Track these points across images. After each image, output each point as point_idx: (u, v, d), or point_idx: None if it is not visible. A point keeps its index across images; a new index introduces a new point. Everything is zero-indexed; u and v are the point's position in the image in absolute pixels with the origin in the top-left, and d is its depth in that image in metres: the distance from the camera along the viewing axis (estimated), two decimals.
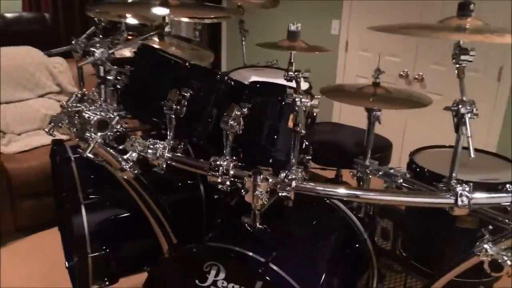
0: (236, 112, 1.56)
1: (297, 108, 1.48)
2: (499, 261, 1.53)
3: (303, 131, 1.50)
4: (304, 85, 1.66)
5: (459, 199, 1.44)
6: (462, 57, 1.44)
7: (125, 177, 1.65)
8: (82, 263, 2.00)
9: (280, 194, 1.49)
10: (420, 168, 1.96)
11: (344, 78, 4.39)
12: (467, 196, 1.44)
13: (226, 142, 1.58)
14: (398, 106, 1.84)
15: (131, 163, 1.63)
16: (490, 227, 1.62)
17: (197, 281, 1.54)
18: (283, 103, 1.59)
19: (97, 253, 2.01)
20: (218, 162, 1.55)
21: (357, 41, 4.25)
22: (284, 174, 1.50)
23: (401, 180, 1.82)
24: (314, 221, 1.76)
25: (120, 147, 1.67)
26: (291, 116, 1.68)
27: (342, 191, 1.48)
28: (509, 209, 1.51)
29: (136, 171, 1.64)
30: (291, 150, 1.54)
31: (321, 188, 1.49)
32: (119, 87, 1.93)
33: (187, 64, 1.79)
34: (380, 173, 1.85)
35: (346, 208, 1.85)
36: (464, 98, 1.45)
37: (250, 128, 1.62)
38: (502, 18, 3.37)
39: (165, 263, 1.59)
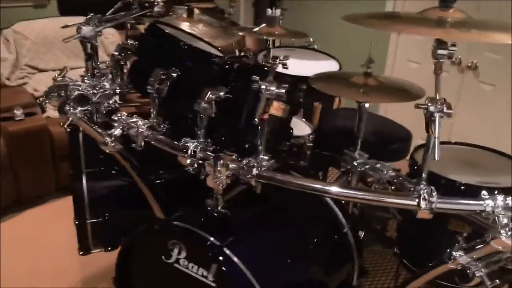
0: (210, 95, 1.57)
1: (261, 96, 1.46)
2: (467, 271, 1.45)
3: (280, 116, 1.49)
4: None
5: (422, 202, 1.37)
6: (440, 52, 1.34)
7: (107, 150, 1.72)
8: (82, 227, 2.12)
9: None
10: (418, 167, 1.87)
11: (395, 63, 4.21)
12: (429, 200, 1.36)
13: (200, 125, 1.60)
14: (389, 98, 1.75)
15: (113, 138, 1.70)
16: (465, 234, 1.53)
17: (163, 257, 1.59)
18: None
19: (95, 220, 2.12)
20: (187, 144, 1.57)
21: None
22: (246, 161, 1.50)
23: (387, 176, 1.75)
24: (290, 209, 1.75)
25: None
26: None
27: (301, 182, 1.45)
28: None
29: (117, 146, 1.71)
30: (258, 137, 1.53)
31: (280, 178, 1.47)
32: (122, 63, 2.00)
33: (181, 44, 1.82)
34: (366, 166, 1.79)
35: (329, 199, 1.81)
36: (437, 96, 1.36)
37: (228, 112, 1.63)
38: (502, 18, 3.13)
39: (135, 237, 1.65)
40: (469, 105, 3.76)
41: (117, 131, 1.71)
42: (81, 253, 2.19)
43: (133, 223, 2.21)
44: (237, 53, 2.69)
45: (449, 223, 1.80)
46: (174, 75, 1.74)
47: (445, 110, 1.35)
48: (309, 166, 2.15)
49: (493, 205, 1.37)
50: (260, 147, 1.54)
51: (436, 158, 1.35)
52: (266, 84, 1.45)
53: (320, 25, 4.77)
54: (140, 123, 1.68)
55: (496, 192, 1.70)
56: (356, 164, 1.81)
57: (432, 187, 1.41)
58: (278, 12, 1.61)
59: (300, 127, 2.26)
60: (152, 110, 1.72)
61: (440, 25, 1.36)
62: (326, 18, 4.73)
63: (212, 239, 1.49)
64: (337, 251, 1.80)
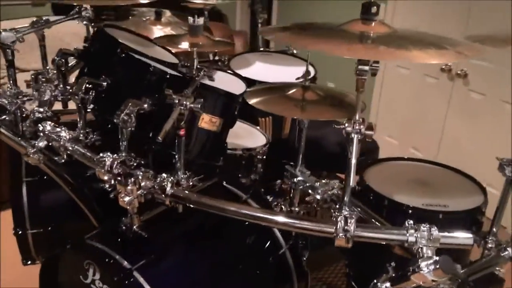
0: (131, 107, 1.49)
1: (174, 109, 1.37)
2: None
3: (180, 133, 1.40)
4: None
5: (338, 229, 1.27)
6: (361, 68, 1.24)
7: (30, 162, 1.64)
8: (23, 238, 2.06)
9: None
10: (365, 186, 1.76)
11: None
12: (344, 229, 1.25)
13: (121, 138, 1.51)
14: (328, 114, 1.64)
15: (36, 149, 1.62)
16: (393, 264, 1.42)
17: (80, 277, 1.51)
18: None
19: (36, 230, 2.06)
20: (104, 158, 1.49)
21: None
22: (160, 179, 1.41)
23: (328, 196, 1.65)
24: (222, 227, 1.65)
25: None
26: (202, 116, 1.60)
27: (216, 204, 1.36)
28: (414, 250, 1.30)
29: (41, 158, 1.63)
30: (178, 152, 1.44)
31: (196, 199, 1.38)
32: (62, 68, 1.93)
33: (118, 51, 1.73)
34: (306, 185, 1.69)
35: None
36: (357, 116, 1.25)
37: (155, 125, 1.54)
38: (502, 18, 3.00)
39: (55, 255, 1.57)
40: (459, 113, 3.61)
41: (42, 143, 1.63)
42: (27, 262, 2.13)
43: (76, 233, 2.17)
44: (211, 58, 2.60)
45: (393, 246, 1.69)
46: (104, 83, 1.65)
47: (363, 131, 1.24)
48: (260, 179, 2.06)
49: (417, 236, 1.26)
50: (178, 164, 1.45)
51: (351, 184, 1.24)
52: (180, 98, 1.35)
53: None
54: (63, 134, 1.60)
55: (440, 216, 1.61)
56: (295, 181, 1.71)
57: (353, 213, 1.30)
58: (201, 20, 1.51)
59: (255, 138, 2.17)
60: (79, 120, 1.64)
61: (362, 40, 1.26)
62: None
63: (122, 261, 1.40)
64: (271, 275, 1.69)
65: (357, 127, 1.24)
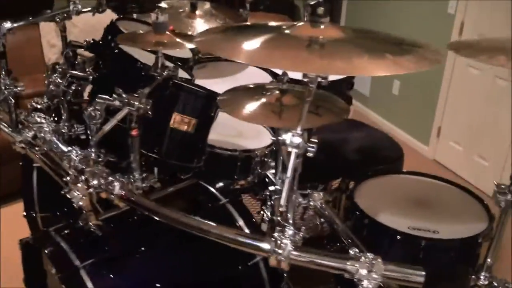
0: (98, 102, 1.48)
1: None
2: None
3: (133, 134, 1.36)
4: None
5: (272, 250, 1.16)
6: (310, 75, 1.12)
7: (17, 150, 1.70)
8: (33, 221, 2.16)
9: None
10: (352, 202, 1.62)
11: (454, 68, 3.75)
12: (274, 250, 1.15)
13: (90, 133, 1.51)
14: (311, 121, 1.50)
15: (23, 139, 1.67)
16: None
17: (49, 266, 1.54)
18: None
19: (44, 214, 2.14)
20: (70, 154, 1.49)
21: (474, 23, 3.55)
22: (109, 180, 1.38)
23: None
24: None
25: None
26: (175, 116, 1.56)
27: (159, 210, 1.31)
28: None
29: (25, 147, 1.68)
30: (132, 153, 1.41)
31: (146, 204, 1.34)
32: (72, 60, 1.97)
33: (112, 45, 1.74)
34: (277, 196, 1.58)
35: (241, 221, 1.63)
36: (299, 128, 1.14)
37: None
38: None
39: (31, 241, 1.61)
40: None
41: (30, 133, 1.67)
42: None
43: None
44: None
45: None
46: (91, 77, 1.66)
47: (301, 145, 1.12)
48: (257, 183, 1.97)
49: (357, 267, 1.12)
50: (133, 165, 1.42)
51: (282, 203, 1.13)
52: (128, 98, 1.32)
53: (383, 25, 4.41)
54: (45, 126, 1.63)
55: (423, 244, 1.44)
56: (273, 189, 1.60)
57: (295, 233, 1.19)
58: (166, 17, 1.45)
59: (260, 138, 2.07)
60: (62, 112, 1.67)
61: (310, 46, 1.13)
62: (388, 17, 4.36)
63: (73, 257, 1.40)
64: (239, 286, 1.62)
65: (295, 141, 1.12)
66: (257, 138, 2.06)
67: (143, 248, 1.52)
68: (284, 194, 1.12)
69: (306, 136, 1.15)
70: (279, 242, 1.15)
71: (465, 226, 1.52)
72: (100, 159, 1.48)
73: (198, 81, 1.83)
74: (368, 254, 1.15)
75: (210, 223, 1.25)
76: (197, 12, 2.75)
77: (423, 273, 1.12)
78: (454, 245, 1.45)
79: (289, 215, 1.22)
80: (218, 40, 1.14)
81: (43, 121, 1.66)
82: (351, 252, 1.16)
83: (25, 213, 2.15)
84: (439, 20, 3.81)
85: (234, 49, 1.06)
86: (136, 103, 1.31)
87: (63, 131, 1.67)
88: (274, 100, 1.50)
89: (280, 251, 1.13)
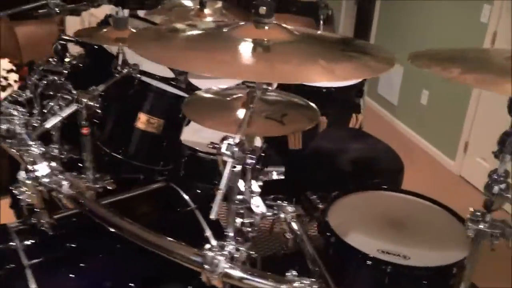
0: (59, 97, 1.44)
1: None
2: None
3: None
4: None
5: (205, 265, 1.08)
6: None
7: None
8: (20, 211, 2.15)
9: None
10: (324, 220, 1.51)
11: None
12: (210, 270, 1.07)
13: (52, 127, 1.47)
14: (278, 129, 1.40)
15: None
16: None
17: None
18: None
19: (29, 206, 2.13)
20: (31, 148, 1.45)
21: (507, 33, 3.34)
22: (61, 177, 1.34)
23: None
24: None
25: None
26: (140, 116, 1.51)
27: (102, 214, 1.25)
28: None
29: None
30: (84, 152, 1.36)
31: (87, 204, 1.29)
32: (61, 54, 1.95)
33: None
34: (245, 205, 1.49)
35: (208, 229, 1.55)
36: (239, 136, 1.05)
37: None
38: None
39: None
40: None
41: (4, 126, 1.65)
42: None
43: None
44: None
45: None
46: (65, 72, 1.63)
47: (238, 154, 1.04)
48: None
49: None
50: (86, 164, 1.37)
51: (212, 217, 1.04)
52: (77, 95, 1.26)
53: (414, 29, 4.23)
54: (16, 118, 1.60)
55: (388, 270, 1.33)
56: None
57: (229, 249, 1.10)
58: (125, 12, 1.39)
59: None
60: (35, 105, 1.64)
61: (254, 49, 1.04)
62: (420, 21, 4.17)
63: (22, 255, 1.36)
64: None
65: (231, 150, 1.03)
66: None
67: (95, 250, 1.46)
68: (214, 207, 1.03)
69: (246, 145, 1.07)
70: (210, 257, 1.07)
71: (442, 253, 1.39)
72: (62, 156, 1.44)
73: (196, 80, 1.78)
74: (306, 279, 1.05)
75: (149, 231, 1.18)
76: (206, 11, 2.69)
77: None
78: (423, 273, 1.32)
79: (229, 229, 1.14)
80: (148, 41, 1.05)
81: (15, 113, 1.64)
82: (287, 274, 1.07)
83: (11, 205, 2.14)
84: (471, 28, 3.61)
85: (159, 51, 0.98)
86: (85, 100, 1.26)
87: (34, 124, 1.64)
88: (241, 106, 1.41)
89: (207, 267, 1.05)
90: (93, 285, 1.41)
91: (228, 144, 1.04)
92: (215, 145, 1.05)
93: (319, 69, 0.91)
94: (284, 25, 1.06)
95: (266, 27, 1.04)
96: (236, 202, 1.50)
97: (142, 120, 1.47)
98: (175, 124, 1.53)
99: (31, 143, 1.45)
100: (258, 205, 1.45)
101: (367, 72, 0.90)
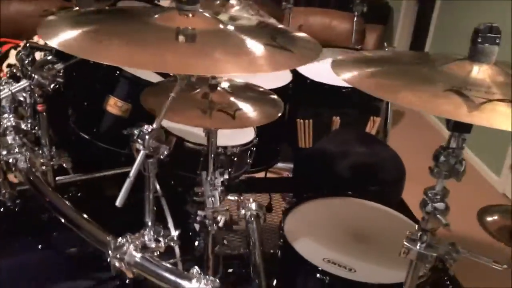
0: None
1: None
2: None
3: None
4: None
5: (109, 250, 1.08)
6: None
7: None
8: None
9: None
10: (281, 222, 1.46)
11: None
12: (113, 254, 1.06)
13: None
14: (245, 121, 1.35)
15: None
16: None
17: None
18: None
19: None
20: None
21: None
22: (17, 151, 1.38)
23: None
24: None
25: None
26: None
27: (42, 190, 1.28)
28: None
29: None
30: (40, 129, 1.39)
31: (34, 181, 1.32)
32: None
33: None
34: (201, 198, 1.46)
35: (169, 217, 1.53)
36: (157, 122, 1.03)
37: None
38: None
39: None
40: None
41: None
42: None
43: None
44: None
45: None
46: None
47: (150, 142, 1.01)
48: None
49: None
50: (42, 141, 1.40)
51: (117, 204, 1.02)
52: (31, 71, 1.29)
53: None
54: None
55: (326, 281, 1.26)
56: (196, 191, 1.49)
57: (143, 240, 1.09)
58: None
59: (240, 136, 1.95)
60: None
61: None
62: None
63: None
64: None
65: (143, 138, 1.01)
66: (236, 135, 1.95)
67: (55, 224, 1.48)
68: (121, 195, 1.02)
69: (162, 135, 1.04)
70: (120, 243, 1.06)
71: (390, 270, 1.29)
72: (34, 131, 1.48)
73: None
74: (205, 278, 1.01)
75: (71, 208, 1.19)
76: (231, 2, 2.67)
77: None
78: None
79: (147, 220, 1.12)
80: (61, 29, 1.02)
81: None
82: (193, 270, 1.04)
83: None
84: None
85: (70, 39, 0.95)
86: (36, 77, 1.28)
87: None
88: (201, 97, 1.38)
89: (112, 253, 1.04)
90: (51, 257, 1.44)
91: (141, 131, 1.02)
92: (129, 132, 1.04)
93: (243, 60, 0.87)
94: (210, 14, 1.02)
95: (190, 15, 1.00)
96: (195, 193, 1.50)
97: (110, 103, 1.48)
98: (143, 110, 1.52)
99: (7, 115, 1.51)
100: (213, 198, 1.43)
101: (289, 63, 0.84)
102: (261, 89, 1.45)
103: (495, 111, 0.70)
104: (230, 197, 1.59)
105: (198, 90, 1.38)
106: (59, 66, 1.33)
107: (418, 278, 1.25)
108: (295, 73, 2.40)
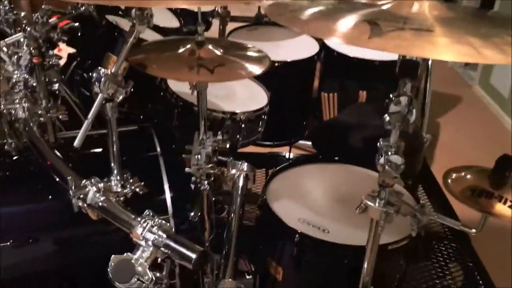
0: None
1: None
2: None
3: None
4: None
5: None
6: None
7: None
8: None
9: None
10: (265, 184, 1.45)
11: None
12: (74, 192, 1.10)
13: None
14: (232, 75, 1.35)
15: None
16: None
17: None
18: None
19: None
20: None
21: None
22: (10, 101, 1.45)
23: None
24: None
25: None
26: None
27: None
28: None
29: None
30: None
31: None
32: None
33: None
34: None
35: (165, 176, 1.56)
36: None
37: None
38: None
39: None
40: None
41: None
42: None
43: None
44: None
45: None
46: None
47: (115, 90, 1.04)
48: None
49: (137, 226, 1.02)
50: (40, 94, 1.47)
51: (75, 144, 1.06)
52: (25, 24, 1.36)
53: None
54: None
55: (296, 238, 1.24)
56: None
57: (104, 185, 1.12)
58: None
59: (248, 103, 1.94)
60: None
61: None
62: None
63: None
64: None
65: (99, 81, 1.04)
66: (247, 103, 1.95)
67: None
68: (79, 136, 1.05)
69: (120, 79, 1.07)
70: (84, 185, 1.10)
71: (363, 233, 1.24)
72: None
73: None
74: (152, 219, 1.02)
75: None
76: None
77: (194, 255, 0.96)
78: (327, 250, 1.20)
79: (112, 165, 1.16)
80: None
81: None
82: (146, 212, 1.06)
83: None
84: None
85: None
86: (29, 29, 1.34)
87: None
88: (188, 54, 1.39)
89: (73, 192, 1.09)
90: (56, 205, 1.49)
91: (98, 75, 1.05)
92: (92, 76, 1.07)
93: None
94: None
95: None
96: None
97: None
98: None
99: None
100: (199, 156, 1.45)
101: None
102: (249, 46, 1.44)
103: (397, 38, 0.65)
104: (221, 158, 1.59)
105: (186, 47, 1.39)
106: (53, 21, 1.39)
107: (397, 242, 1.22)
108: (322, 44, 2.36)
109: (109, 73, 1.04)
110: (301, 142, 2.55)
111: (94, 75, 1.05)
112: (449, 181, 0.99)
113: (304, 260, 1.25)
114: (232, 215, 1.33)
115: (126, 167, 1.35)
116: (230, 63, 1.36)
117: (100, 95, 1.05)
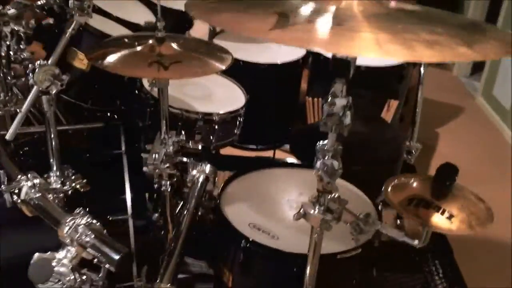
0: None
1: None
2: None
3: None
4: None
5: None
6: None
7: None
8: None
9: None
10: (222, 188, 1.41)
11: None
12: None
13: None
14: (192, 71, 1.31)
15: None
16: None
17: None
18: None
19: None
20: None
21: None
22: None
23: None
24: None
25: None
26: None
27: None
28: None
29: None
30: None
31: None
32: None
33: None
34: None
35: (126, 173, 1.53)
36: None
37: None
38: None
39: None
40: None
41: None
42: None
43: None
44: None
45: None
46: None
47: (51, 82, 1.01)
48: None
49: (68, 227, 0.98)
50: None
51: (8, 137, 1.03)
52: None
53: None
54: None
55: (242, 244, 1.20)
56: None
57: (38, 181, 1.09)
58: None
59: (225, 104, 1.90)
60: None
61: None
62: None
63: None
64: None
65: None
66: (221, 104, 1.91)
67: None
68: (11, 129, 1.02)
69: (57, 72, 1.03)
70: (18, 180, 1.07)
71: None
72: None
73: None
74: (85, 219, 0.98)
75: None
76: None
77: (117, 257, 0.92)
78: (273, 257, 1.15)
79: (51, 161, 1.12)
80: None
81: None
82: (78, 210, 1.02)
83: None
84: None
85: None
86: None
87: None
88: (148, 50, 1.36)
89: (4, 188, 1.05)
90: None
91: (32, 66, 1.02)
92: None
93: None
94: None
95: None
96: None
97: (73, 57, 1.50)
98: None
99: None
100: (157, 155, 1.41)
101: None
102: (212, 44, 1.40)
103: (300, 30, 0.60)
104: (183, 159, 1.55)
105: (146, 44, 1.35)
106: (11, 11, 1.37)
107: (348, 251, 1.17)
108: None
109: (45, 64, 1.01)
110: (287, 146, 2.51)
111: (29, 66, 1.01)
112: (389, 188, 0.94)
113: (250, 267, 1.20)
114: (185, 214, 1.28)
115: (89, 165, 1.32)
116: (188, 60, 1.32)
117: (35, 87, 1.02)
